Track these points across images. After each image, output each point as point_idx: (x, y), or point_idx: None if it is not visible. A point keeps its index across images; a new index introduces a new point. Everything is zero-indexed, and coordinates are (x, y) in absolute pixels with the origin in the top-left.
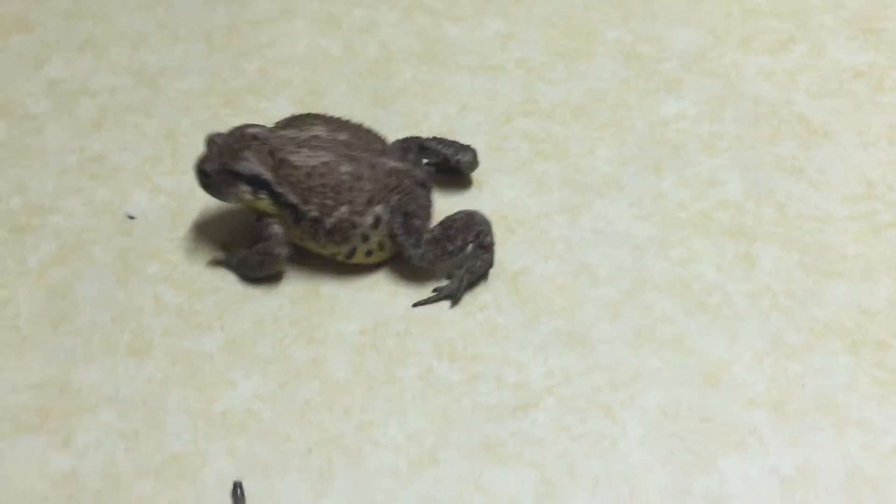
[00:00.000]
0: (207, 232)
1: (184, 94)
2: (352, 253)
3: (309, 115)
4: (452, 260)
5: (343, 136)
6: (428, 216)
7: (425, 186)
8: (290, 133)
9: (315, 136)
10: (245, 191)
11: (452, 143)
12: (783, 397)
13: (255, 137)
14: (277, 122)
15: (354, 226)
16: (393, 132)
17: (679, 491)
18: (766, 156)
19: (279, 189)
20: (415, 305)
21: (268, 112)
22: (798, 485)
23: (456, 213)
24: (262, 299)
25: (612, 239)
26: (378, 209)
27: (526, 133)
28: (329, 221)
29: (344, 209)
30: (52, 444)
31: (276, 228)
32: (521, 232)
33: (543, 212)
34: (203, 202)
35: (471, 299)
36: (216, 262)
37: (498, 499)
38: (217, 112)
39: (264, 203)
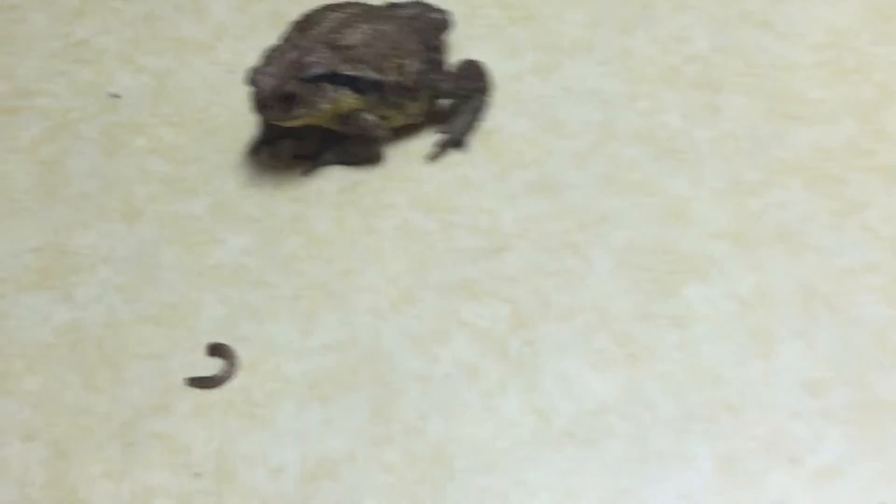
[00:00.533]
0: (189, 109)
1: None
2: (424, 104)
3: (313, 12)
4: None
5: (353, 9)
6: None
7: (440, 23)
8: (319, 28)
9: (341, 17)
10: (329, 92)
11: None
12: (743, 229)
13: (298, 47)
14: (283, 40)
15: (423, 73)
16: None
17: (644, 314)
18: (733, 11)
19: (360, 72)
20: (428, 159)
21: None
22: (757, 305)
23: (462, 62)
24: (244, 165)
25: (582, 96)
26: (424, 49)
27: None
28: (408, 79)
29: (411, 61)
30: (53, 300)
31: (367, 115)
32: (494, 94)
33: (515, 73)
34: (183, 80)
35: (445, 157)
36: (313, 168)
37: (474, 330)
38: None
39: (345, 101)
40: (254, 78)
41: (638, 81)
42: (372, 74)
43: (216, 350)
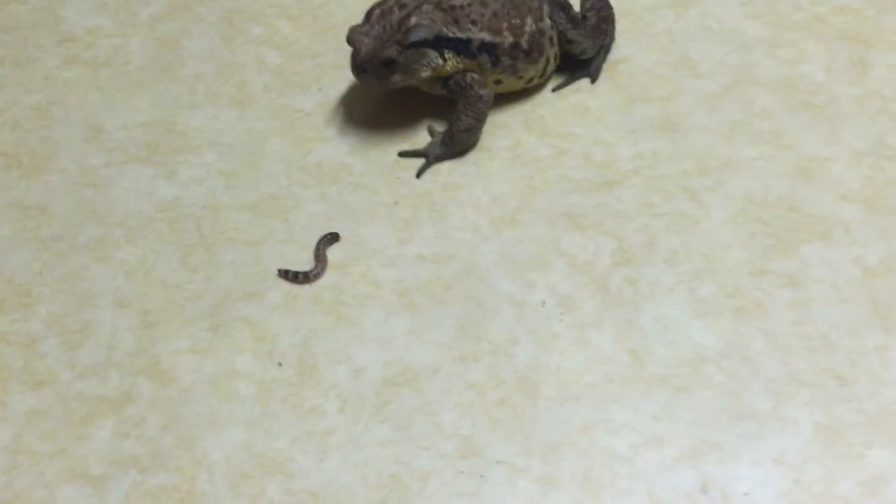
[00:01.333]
0: (307, 3)
1: None
2: (545, 67)
3: None
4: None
5: None
6: None
7: None
8: None
9: None
10: (433, 58)
11: None
12: (877, 194)
13: (403, 5)
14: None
15: (542, 32)
16: None
17: (757, 269)
18: None
19: (471, 34)
20: (554, 90)
21: None
22: (880, 274)
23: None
24: None
25: (719, 35)
26: (546, 7)
27: None
28: (525, 40)
29: (529, 20)
30: (158, 175)
31: (472, 75)
32: (624, 23)
33: (650, 5)
34: None
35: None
36: (426, 168)
37: (575, 261)
38: None
39: (451, 63)
40: (352, 38)
41: (782, 27)
42: (484, 36)
43: (288, 273)
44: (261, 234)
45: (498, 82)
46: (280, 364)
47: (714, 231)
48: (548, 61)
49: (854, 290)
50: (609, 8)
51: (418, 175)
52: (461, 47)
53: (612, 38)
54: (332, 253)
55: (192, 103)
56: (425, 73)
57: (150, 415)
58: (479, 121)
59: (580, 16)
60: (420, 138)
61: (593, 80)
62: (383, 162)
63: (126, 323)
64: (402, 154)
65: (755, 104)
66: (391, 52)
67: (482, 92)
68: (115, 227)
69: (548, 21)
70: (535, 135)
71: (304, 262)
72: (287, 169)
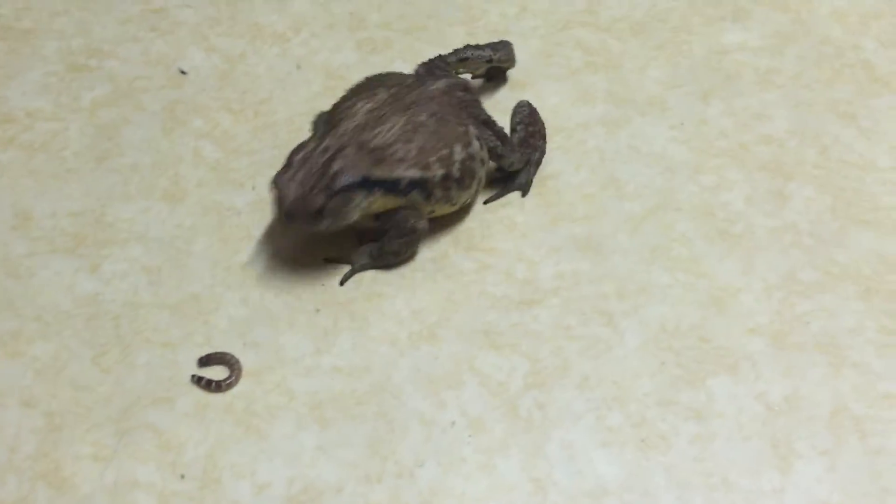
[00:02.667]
0: (251, 98)
1: None
2: (478, 188)
3: (341, 102)
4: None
5: (382, 94)
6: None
7: (472, 92)
8: (347, 123)
9: (367, 111)
10: (360, 199)
11: (486, 45)
12: (785, 330)
13: (325, 149)
14: (300, 145)
15: (473, 157)
16: (448, 26)
17: (664, 400)
18: (820, 97)
19: (399, 173)
20: (486, 202)
21: None
22: (783, 413)
23: (517, 110)
24: None
25: (646, 157)
26: (472, 129)
27: (580, 42)
28: (455, 169)
29: (457, 148)
30: (82, 268)
31: (403, 212)
32: (557, 139)
33: (583, 122)
34: (252, 67)
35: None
36: (349, 276)
37: (488, 381)
38: None
39: (379, 202)
40: (278, 184)
41: (706, 153)
42: (413, 173)
43: (212, 360)
44: (178, 336)
45: (431, 212)
46: (183, 476)
47: (626, 358)
48: (479, 182)
49: (756, 427)
50: (538, 123)
51: (342, 282)
52: (389, 186)
53: (542, 153)
54: (248, 360)
55: (125, 194)
56: (354, 216)
57: None
58: (410, 247)
59: (508, 130)
60: (349, 244)
61: (524, 194)
62: (309, 266)
63: (31, 424)
64: (328, 259)
65: (675, 230)
66: (318, 199)
67: (417, 224)
68: (30, 321)
69: (476, 144)
70: (462, 248)
71: (219, 372)
72: (212, 268)
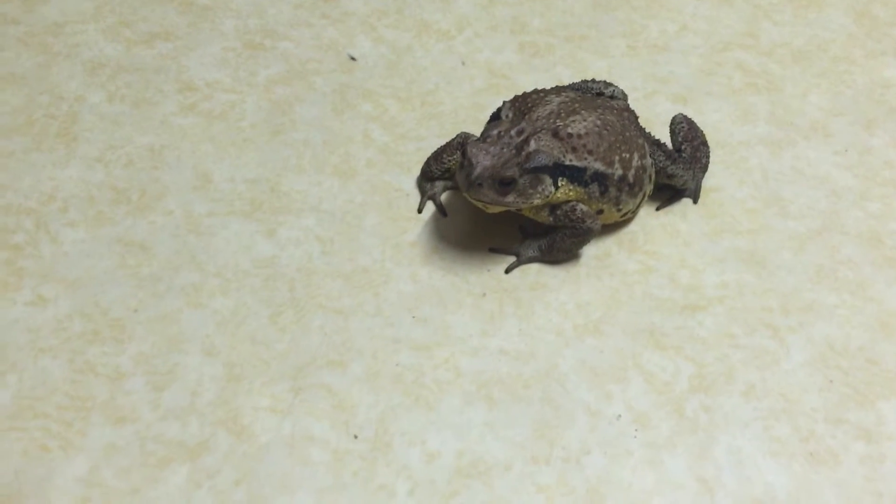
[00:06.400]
0: (417, 88)
1: None
2: (641, 201)
3: (530, 93)
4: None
5: (570, 93)
6: None
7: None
8: (539, 111)
9: (560, 102)
10: (547, 184)
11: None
12: None
13: (521, 131)
14: (494, 123)
15: (645, 169)
16: (609, 37)
17: (833, 417)
18: None
19: (587, 163)
20: (658, 208)
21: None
22: None
23: (675, 127)
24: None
25: (810, 180)
26: (645, 147)
27: (741, 64)
28: (631, 174)
29: (636, 156)
30: (258, 231)
31: (582, 207)
32: (719, 153)
33: (745, 140)
34: (418, 59)
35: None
36: (516, 265)
37: (653, 380)
38: None
39: (563, 190)
40: (471, 151)
41: (872, 180)
42: (598, 166)
43: None
44: (350, 305)
45: (599, 212)
46: (356, 436)
47: (793, 372)
48: (644, 196)
49: None
50: (698, 133)
51: (507, 271)
52: (576, 175)
53: (707, 158)
54: (416, 334)
55: (298, 167)
56: (537, 200)
57: (225, 468)
58: (580, 246)
59: (675, 150)
60: (512, 237)
61: (695, 201)
62: (474, 252)
63: (212, 372)
64: (494, 249)
65: (841, 252)
66: (513, 171)
67: (593, 225)
68: (211, 276)
69: (649, 159)
70: (625, 249)
71: (388, 338)
72: (382, 244)
